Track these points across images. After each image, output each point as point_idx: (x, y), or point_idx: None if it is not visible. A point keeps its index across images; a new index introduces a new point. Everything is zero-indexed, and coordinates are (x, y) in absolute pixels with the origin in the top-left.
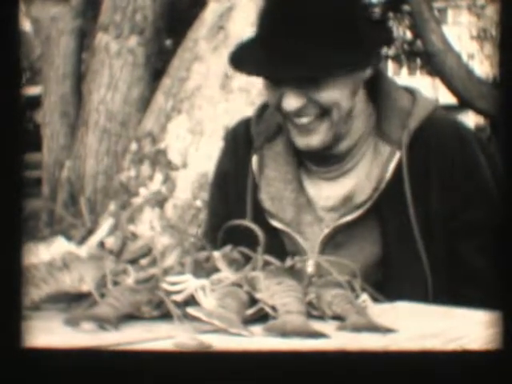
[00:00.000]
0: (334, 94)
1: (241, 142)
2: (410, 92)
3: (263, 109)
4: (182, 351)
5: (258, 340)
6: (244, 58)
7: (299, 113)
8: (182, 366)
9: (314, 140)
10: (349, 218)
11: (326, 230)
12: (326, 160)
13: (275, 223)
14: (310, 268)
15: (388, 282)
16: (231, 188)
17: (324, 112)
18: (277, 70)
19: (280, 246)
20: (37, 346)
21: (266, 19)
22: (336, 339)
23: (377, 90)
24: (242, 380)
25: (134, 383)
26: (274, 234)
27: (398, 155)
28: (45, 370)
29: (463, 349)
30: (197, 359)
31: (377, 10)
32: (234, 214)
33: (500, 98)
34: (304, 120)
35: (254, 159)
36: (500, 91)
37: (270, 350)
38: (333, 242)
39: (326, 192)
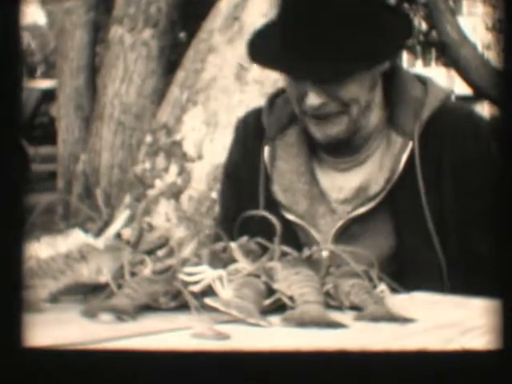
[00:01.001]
0: (354, 90)
1: (251, 133)
2: (422, 81)
3: (274, 98)
4: (183, 351)
5: (275, 330)
6: (263, 52)
7: (320, 109)
8: (184, 366)
9: (333, 131)
10: (361, 210)
11: (339, 223)
12: (340, 151)
13: (288, 216)
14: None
15: (403, 273)
16: (243, 180)
17: (344, 107)
18: (299, 69)
19: (294, 238)
20: (37, 345)
21: (288, 8)
22: (354, 329)
23: (390, 81)
24: (243, 380)
25: (134, 383)
26: (287, 227)
27: (410, 146)
28: (45, 370)
29: (464, 349)
30: (196, 359)
31: (392, 1)
32: (246, 206)
33: (503, 90)
34: (323, 116)
35: (266, 150)
36: (503, 84)
37: (271, 350)
38: (346, 234)
39: (339, 183)
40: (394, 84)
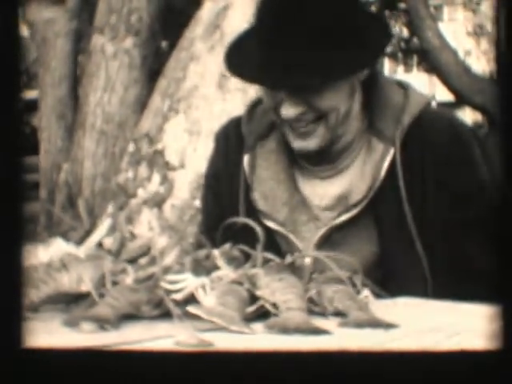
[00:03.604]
0: (332, 99)
1: (232, 142)
2: (403, 87)
3: (254, 107)
4: (182, 351)
5: (259, 337)
6: (241, 64)
7: (297, 119)
8: (183, 366)
9: (311, 143)
10: (344, 217)
11: (322, 230)
12: (321, 159)
13: (269, 223)
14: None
15: (386, 280)
16: (224, 189)
17: (321, 116)
18: (276, 79)
19: (275, 246)
20: (37, 346)
21: (264, 18)
22: (338, 336)
23: (370, 87)
24: (242, 380)
25: (134, 383)
26: (267, 235)
27: (391, 152)
28: (44, 371)
29: (463, 349)
30: (196, 359)
31: (373, 8)
32: (227, 215)
33: (496, 93)
34: (301, 125)
35: (246, 159)
36: (496, 86)
37: (270, 349)
38: (329, 241)
39: (320, 190)
40: (373, 90)
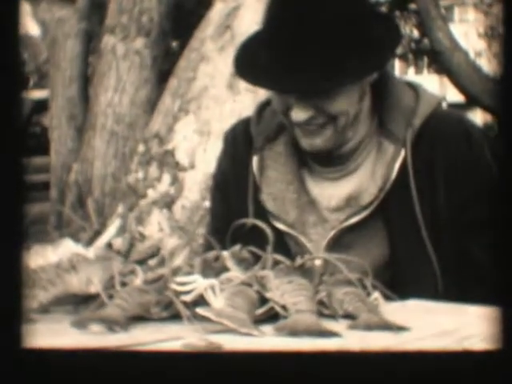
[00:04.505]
0: (342, 103)
1: (240, 143)
2: (414, 88)
3: (263, 108)
4: (182, 352)
5: (268, 340)
6: (250, 68)
7: (307, 123)
8: (183, 367)
9: (318, 142)
10: (355, 219)
11: (332, 232)
12: (330, 160)
13: (278, 225)
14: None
15: (396, 282)
16: (232, 190)
17: (331, 119)
18: (286, 83)
19: (284, 248)
20: (37, 346)
21: (273, 22)
22: (347, 338)
23: (380, 89)
24: (246, 380)
25: (133, 383)
26: (276, 237)
27: (402, 153)
28: (44, 371)
29: (464, 349)
30: (203, 360)
31: (383, 9)
32: (236, 216)
33: (502, 95)
34: (311, 128)
35: (255, 160)
36: (502, 88)
37: (276, 350)
38: (339, 243)
39: (329, 192)
40: (384, 92)
